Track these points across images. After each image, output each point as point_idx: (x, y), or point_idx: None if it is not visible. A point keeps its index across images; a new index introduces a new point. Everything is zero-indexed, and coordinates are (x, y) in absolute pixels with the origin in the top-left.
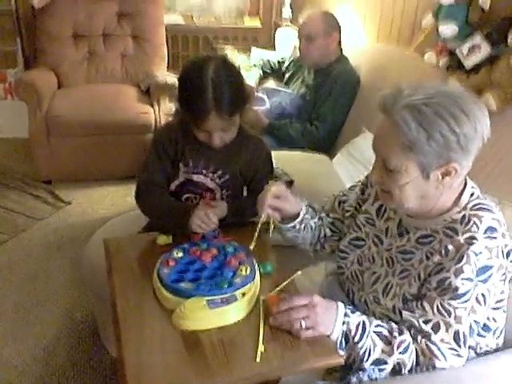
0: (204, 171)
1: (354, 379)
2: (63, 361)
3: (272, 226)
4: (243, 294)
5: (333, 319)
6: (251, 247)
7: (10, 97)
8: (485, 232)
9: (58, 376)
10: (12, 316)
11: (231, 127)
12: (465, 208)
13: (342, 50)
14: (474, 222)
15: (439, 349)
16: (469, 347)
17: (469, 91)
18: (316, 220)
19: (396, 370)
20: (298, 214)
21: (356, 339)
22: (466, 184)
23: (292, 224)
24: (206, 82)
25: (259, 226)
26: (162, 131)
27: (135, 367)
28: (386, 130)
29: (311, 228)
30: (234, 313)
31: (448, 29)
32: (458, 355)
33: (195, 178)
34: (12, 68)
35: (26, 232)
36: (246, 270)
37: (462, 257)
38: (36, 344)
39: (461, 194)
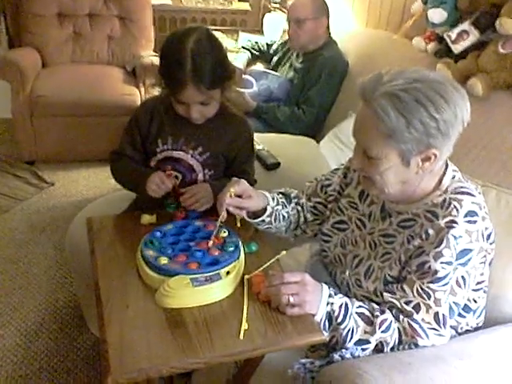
0: (184, 147)
1: (336, 356)
2: (46, 345)
3: (238, 221)
4: (227, 273)
5: (318, 300)
6: (210, 244)
7: None
8: (465, 216)
9: (39, 360)
10: None
11: (211, 101)
12: (446, 191)
13: (330, 34)
14: (454, 206)
15: (421, 327)
16: (450, 326)
17: (454, 76)
18: (289, 209)
19: (378, 349)
20: (266, 209)
21: (339, 320)
22: (446, 167)
23: (260, 219)
24: (186, 53)
25: (218, 224)
26: (140, 106)
27: (117, 346)
28: (365, 119)
29: (283, 217)
30: (217, 291)
31: (437, 14)
32: (440, 335)
33: (175, 154)
34: None
35: (9, 213)
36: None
37: (442, 240)
38: (18, 329)
39: (442, 177)
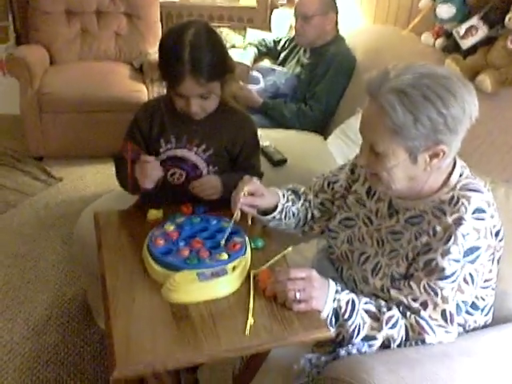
0: (188, 145)
1: (342, 352)
2: (53, 338)
3: (249, 218)
4: (234, 268)
5: (325, 296)
6: (222, 243)
7: (1, 73)
8: (473, 213)
9: (47, 353)
10: (1, 295)
11: (210, 95)
12: (454, 188)
13: (338, 30)
14: (463, 203)
15: (428, 324)
16: (458, 324)
17: (463, 72)
18: (299, 205)
19: (385, 345)
20: (277, 206)
21: (346, 316)
22: (455, 164)
23: (271, 216)
24: (184, 45)
25: (231, 223)
26: (141, 107)
27: (123, 339)
28: (372, 114)
29: (293, 214)
30: (224, 286)
31: (445, 10)
32: (447, 332)
33: (179, 152)
34: (3, 43)
35: (17, 208)
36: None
37: (450, 237)
38: (26, 322)
39: (450, 174)
